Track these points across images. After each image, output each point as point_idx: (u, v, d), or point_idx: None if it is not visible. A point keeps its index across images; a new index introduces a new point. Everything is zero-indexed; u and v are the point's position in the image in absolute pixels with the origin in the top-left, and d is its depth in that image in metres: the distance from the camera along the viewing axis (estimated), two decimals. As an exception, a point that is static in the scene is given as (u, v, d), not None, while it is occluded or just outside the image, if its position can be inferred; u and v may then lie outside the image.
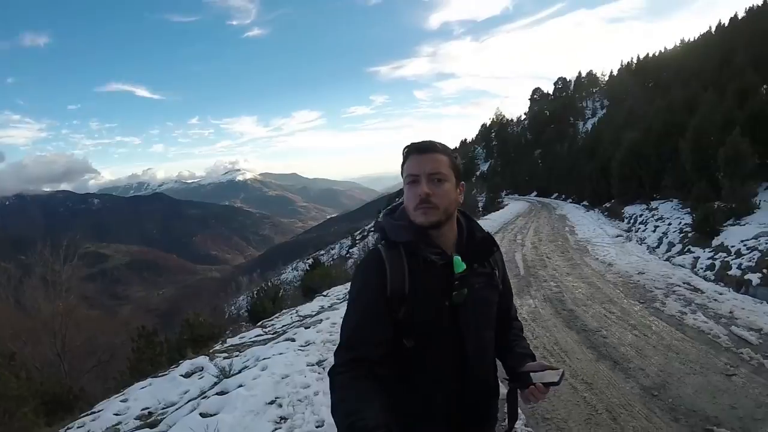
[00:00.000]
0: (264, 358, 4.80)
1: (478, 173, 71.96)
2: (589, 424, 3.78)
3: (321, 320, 6.51)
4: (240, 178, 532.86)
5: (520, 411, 1.62)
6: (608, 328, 6.11)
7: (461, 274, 1.45)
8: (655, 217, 15.23)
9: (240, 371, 4.51)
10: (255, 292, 11.90)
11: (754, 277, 7.86)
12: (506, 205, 33.70)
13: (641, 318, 6.47)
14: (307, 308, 8.35)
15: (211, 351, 5.88)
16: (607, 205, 22.38)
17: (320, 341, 5.57)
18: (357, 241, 59.38)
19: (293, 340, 5.57)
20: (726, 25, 42.91)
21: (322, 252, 68.13)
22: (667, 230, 13.30)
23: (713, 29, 45.95)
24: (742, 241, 9.43)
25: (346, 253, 52.57)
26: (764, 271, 7.70)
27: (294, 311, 8.31)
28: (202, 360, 5.14)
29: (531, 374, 1.46)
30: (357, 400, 1.24)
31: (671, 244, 12.17)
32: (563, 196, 37.07)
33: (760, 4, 38.80)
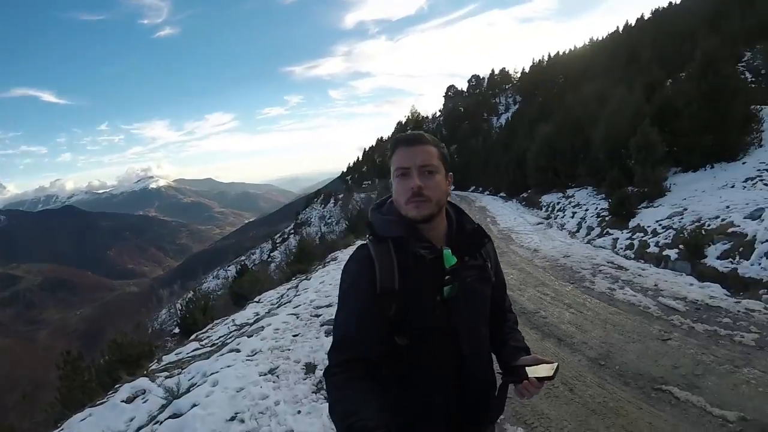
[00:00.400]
0: (212, 373, 4.52)
1: (395, 170, 73.44)
2: (550, 397, 3.92)
3: (263, 327, 6.26)
4: (153, 185, 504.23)
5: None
6: (546, 309, 6.36)
7: (452, 267, 1.42)
8: (572, 204, 16.10)
9: (189, 389, 4.19)
10: (183, 304, 11.33)
11: (672, 253, 8.50)
12: (426, 200, 34.06)
13: (574, 297, 6.79)
14: (242, 316, 8.06)
15: (148, 371, 5.47)
16: (524, 195, 23.14)
17: (267, 349, 5.35)
18: (277, 245, 58.00)
19: (238, 350, 5.31)
20: (633, 25, 46.51)
21: (243, 258, 65.98)
22: (585, 215, 14.11)
23: (620, 29, 49.50)
24: (657, 221, 10.18)
25: (268, 258, 51.13)
26: (681, 246, 8.34)
27: (230, 321, 7.98)
28: (142, 382, 4.75)
29: (525, 368, 1.41)
30: (354, 401, 1.21)
31: (590, 228, 12.93)
32: (480, 189, 37.83)
33: (665, 6, 42.33)
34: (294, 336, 5.85)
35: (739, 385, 3.85)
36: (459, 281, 1.42)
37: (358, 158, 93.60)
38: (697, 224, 8.86)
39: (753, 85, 17.71)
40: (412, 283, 1.37)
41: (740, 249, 7.43)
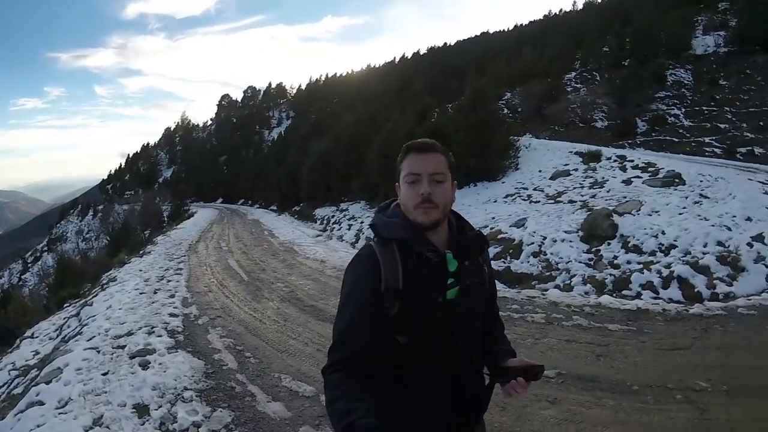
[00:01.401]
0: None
1: (161, 180, 68.02)
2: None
3: (60, 369, 5.13)
4: None
5: None
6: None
7: (454, 271, 1.50)
8: (347, 217, 17.06)
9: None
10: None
11: (450, 258, 9.75)
12: (194, 213, 32.02)
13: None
14: (19, 357, 6.62)
15: None
16: (297, 208, 23.66)
17: (78, 395, 4.44)
18: (30, 265, 47.95)
19: (42, 402, 4.31)
20: (409, 57, 52.58)
21: (-14, 283, 52.38)
22: (362, 227, 15.06)
23: (397, 59, 55.27)
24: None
25: (19, 281, 41.76)
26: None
27: (4, 365, 6.49)
28: None
29: (513, 369, 1.50)
30: (354, 399, 1.25)
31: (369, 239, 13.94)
32: (250, 202, 37.76)
33: (440, 45, 49.04)
34: (104, 375, 5.00)
35: (546, 351, 4.90)
36: (460, 284, 1.50)
37: (121, 165, 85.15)
38: (469, 233, 10.34)
39: (511, 119, 21.84)
40: (416, 285, 1.44)
41: (510, 251, 9.02)
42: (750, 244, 7.71)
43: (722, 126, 25.17)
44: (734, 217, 8.82)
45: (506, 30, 58.81)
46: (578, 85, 33.76)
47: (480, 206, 12.22)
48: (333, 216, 18.12)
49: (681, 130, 26.15)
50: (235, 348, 5.77)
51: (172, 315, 7.20)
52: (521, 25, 57.83)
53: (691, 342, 4.99)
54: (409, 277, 1.43)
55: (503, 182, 14.06)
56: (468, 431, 1.59)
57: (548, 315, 6.01)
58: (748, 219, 8.71)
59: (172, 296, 8.36)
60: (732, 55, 30.94)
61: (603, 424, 3.59)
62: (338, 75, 72.93)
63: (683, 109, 27.85)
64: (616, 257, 8.15)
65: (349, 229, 15.50)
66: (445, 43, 53.68)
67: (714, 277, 7.13)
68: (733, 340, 5.02)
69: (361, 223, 15.36)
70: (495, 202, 12.45)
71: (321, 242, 14.41)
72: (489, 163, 14.44)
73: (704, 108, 27.09)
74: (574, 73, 35.09)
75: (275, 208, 28.45)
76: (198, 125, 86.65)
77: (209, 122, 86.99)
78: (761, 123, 23.77)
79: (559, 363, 4.56)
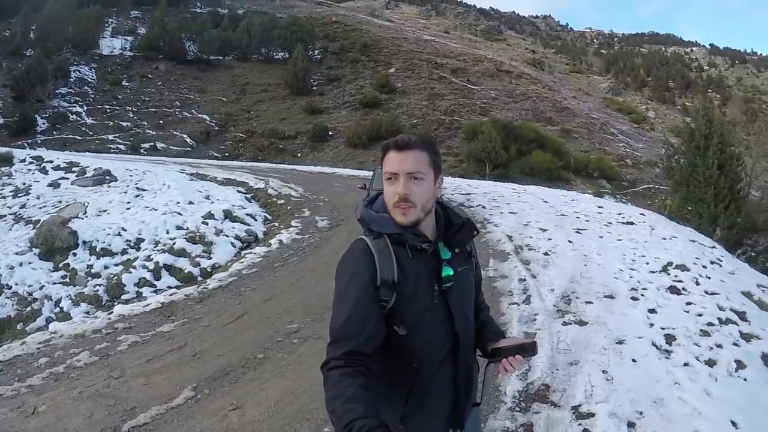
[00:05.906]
0: None
1: None
2: None
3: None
4: None
5: None
6: None
7: (448, 259, 1.54)
8: None
9: None
10: None
11: None
12: None
13: None
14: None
15: None
16: None
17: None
18: None
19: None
20: None
21: None
22: None
23: None
24: None
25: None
26: None
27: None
28: None
29: (508, 347, 1.57)
30: (351, 399, 1.24)
31: None
32: None
33: None
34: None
35: (131, 381, 4.18)
36: (454, 272, 1.54)
37: None
38: None
39: None
40: (412, 275, 1.48)
41: None
42: (205, 222, 9.01)
43: (125, 124, 27.19)
44: (179, 203, 9.92)
45: None
46: (-34, 75, 29.04)
47: None
48: None
49: (84, 128, 26.59)
50: None
51: None
52: None
53: (244, 309, 5.75)
54: (403, 269, 1.46)
55: None
56: (466, 410, 1.65)
57: (86, 349, 4.83)
58: (191, 202, 10.04)
59: None
60: (136, 59, 33.73)
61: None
62: None
63: (86, 107, 28.28)
64: (90, 266, 7.66)
65: None
66: None
67: (194, 256, 8.04)
68: (262, 292, 6.22)
69: None
70: None
71: None
72: None
73: (107, 106, 28.48)
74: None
75: None
76: None
77: None
78: (161, 121, 27.31)
79: (185, 379, 4.14)
